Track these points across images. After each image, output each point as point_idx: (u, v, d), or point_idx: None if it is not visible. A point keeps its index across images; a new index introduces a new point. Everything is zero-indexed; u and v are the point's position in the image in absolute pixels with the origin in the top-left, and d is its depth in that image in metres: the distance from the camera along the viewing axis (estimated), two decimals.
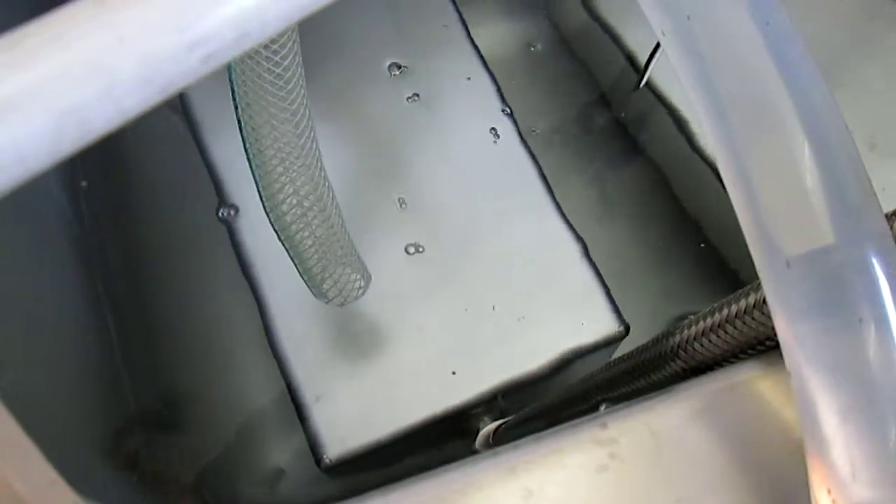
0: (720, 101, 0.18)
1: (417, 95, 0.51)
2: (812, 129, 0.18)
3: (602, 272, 0.46)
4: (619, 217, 0.58)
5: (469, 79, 0.52)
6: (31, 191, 0.43)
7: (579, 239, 0.47)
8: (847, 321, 0.17)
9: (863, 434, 0.17)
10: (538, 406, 0.37)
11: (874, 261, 0.18)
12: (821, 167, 0.17)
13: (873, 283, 0.17)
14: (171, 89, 0.12)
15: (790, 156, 0.17)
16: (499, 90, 0.52)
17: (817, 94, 0.18)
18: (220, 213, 0.46)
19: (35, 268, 0.40)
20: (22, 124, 0.10)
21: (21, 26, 0.11)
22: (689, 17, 0.19)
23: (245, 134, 0.42)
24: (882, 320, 0.17)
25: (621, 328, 0.45)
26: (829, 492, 0.18)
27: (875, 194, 0.18)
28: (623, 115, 0.60)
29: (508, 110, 0.51)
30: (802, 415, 0.18)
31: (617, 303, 0.46)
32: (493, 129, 0.50)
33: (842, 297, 0.17)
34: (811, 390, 0.18)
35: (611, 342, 0.45)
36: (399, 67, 0.52)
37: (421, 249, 0.46)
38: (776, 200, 0.18)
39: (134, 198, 0.53)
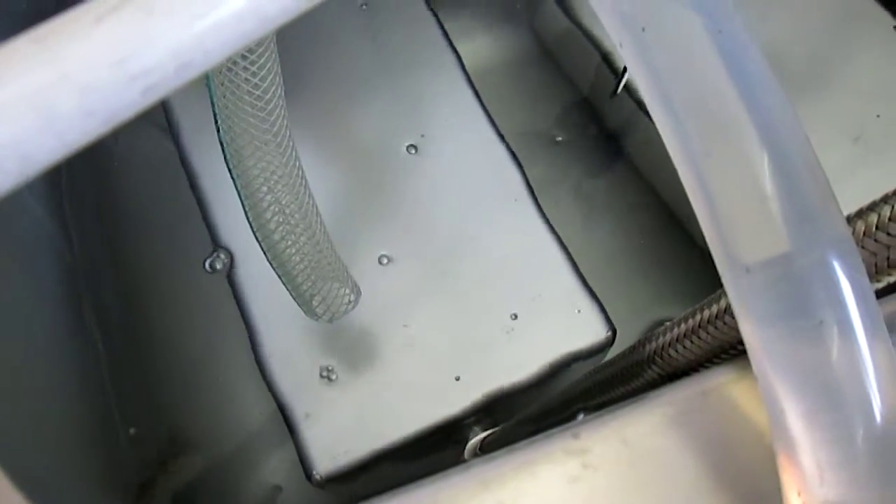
0: (676, 110, 0.19)
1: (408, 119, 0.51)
2: (768, 137, 0.18)
3: (588, 278, 0.47)
4: (604, 222, 0.58)
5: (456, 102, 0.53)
6: (20, 222, 0.43)
7: (564, 246, 0.47)
8: (807, 325, 0.17)
9: (828, 436, 0.17)
10: (525, 415, 0.37)
11: (834, 264, 0.18)
12: (777, 174, 0.18)
13: (833, 286, 0.17)
14: (115, 121, 0.12)
15: (746, 164, 0.18)
16: (483, 106, 0.52)
17: (773, 102, 0.18)
18: (208, 261, 0.46)
19: (25, 301, 0.40)
20: None
21: None
22: (643, 29, 0.19)
23: (228, 155, 0.42)
24: (844, 322, 0.17)
25: (609, 333, 0.45)
26: (798, 493, 0.18)
27: (834, 197, 0.19)
28: (606, 120, 0.61)
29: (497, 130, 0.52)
30: (771, 418, 0.18)
31: (605, 308, 0.46)
32: (478, 139, 0.51)
33: (801, 302, 0.17)
34: (777, 394, 0.18)
35: (600, 348, 0.45)
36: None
37: (407, 262, 0.47)
38: (734, 208, 0.18)
39: (123, 224, 0.53)
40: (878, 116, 0.51)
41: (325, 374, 0.43)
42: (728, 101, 0.18)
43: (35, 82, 0.11)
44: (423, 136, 0.50)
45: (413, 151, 0.49)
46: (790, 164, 0.18)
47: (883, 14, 0.55)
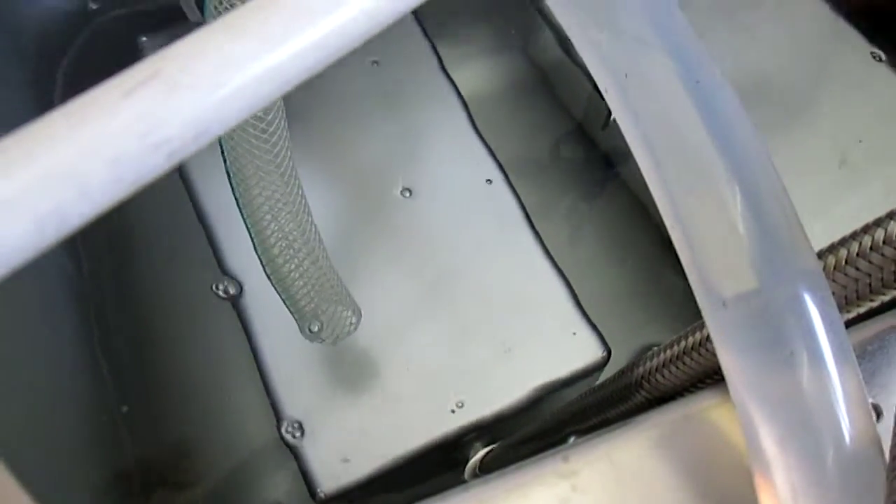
0: (656, 154, 0.20)
1: (403, 133, 0.53)
2: (741, 179, 0.19)
3: (583, 299, 0.48)
4: (598, 245, 0.59)
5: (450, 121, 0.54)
6: None
7: (559, 269, 0.49)
8: (780, 356, 0.19)
9: (800, 459, 0.19)
10: (522, 435, 0.38)
11: (804, 297, 0.19)
12: (749, 214, 0.19)
13: (802, 318, 0.19)
14: (141, 184, 0.13)
15: (720, 205, 0.19)
16: (480, 135, 0.54)
17: (746, 145, 0.20)
18: (215, 287, 0.47)
19: (36, 323, 0.41)
20: (9, 226, 0.12)
21: (2, 138, 0.12)
22: (626, 76, 0.20)
23: (234, 183, 0.43)
24: (813, 352, 0.19)
25: (604, 354, 0.46)
26: None
27: (805, 234, 0.20)
28: (599, 146, 0.62)
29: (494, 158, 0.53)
30: (748, 442, 0.20)
31: (599, 330, 0.47)
32: (475, 167, 0.52)
33: (773, 334, 0.19)
34: (753, 420, 0.19)
35: (594, 369, 0.46)
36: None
37: (405, 285, 0.48)
38: (710, 246, 0.19)
39: (131, 247, 0.55)
40: (860, 141, 0.52)
41: (327, 393, 0.44)
42: (703, 147, 0.19)
43: (70, 155, 0.12)
44: (422, 167, 0.52)
45: (412, 187, 0.51)
46: (762, 205, 0.19)
47: (860, 40, 0.57)
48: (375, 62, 0.55)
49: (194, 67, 0.13)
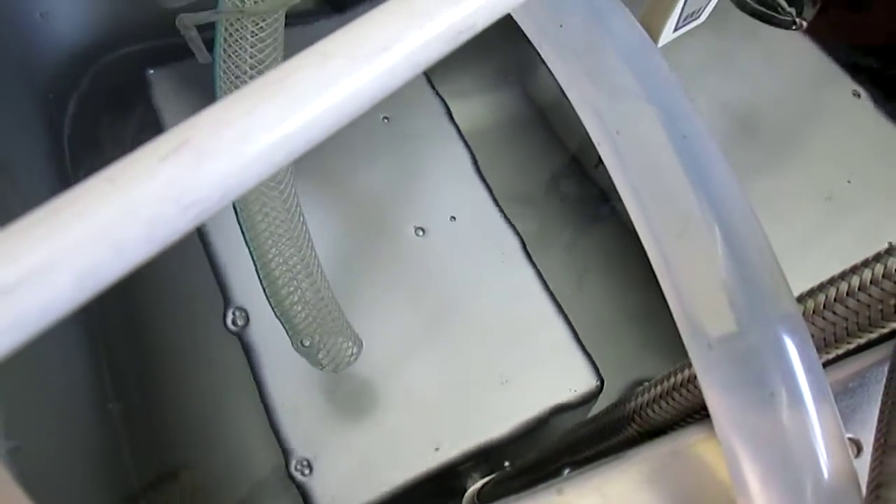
0: (644, 203, 0.21)
1: (402, 160, 0.54)
2: (724, 228, 0.20)
3: (580, 332, 0.49)
4: (594, 277, 0.60)
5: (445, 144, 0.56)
6: None
7: (557, 302, 0.50)
8: (761, 395, 0.20)
9: (781, 496, 0.20)
10: (519, 465, 0.39)
11: (785, 340, 0.20)
12: (732, 260, 0.20)
13: (783, 360, 0.20)
14: (169, 242, 0.14)
15: (705, 252, 0.20)
16: (474, 160, 0.55)
17: (729, 195, 0.21)
18: (220, 318, 0.48)
19: (44, 355, 0.42)
20: (52, 283, 0.13)
21: (52, 199, 0.14)
22: (618, 132, 0.22)
23: (237, 209, 0.45)
24: (793, 392, 0.20)
25: (598, 383, 0.47)
26: None
27: (784, 278, 0.21)
28: (595, 180, 0.64)
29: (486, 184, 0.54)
30: (732, 477, 0.21)
31: (595, 361, 0.48)
32: (476, 207, 0.54)
33: (755, 375, 0.20)
34: (737, 456, 0.20)
35: (588, 399, 0.47)
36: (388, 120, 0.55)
37: (405, 317, 0.49)
38: (696, 290, 0.21)
39: (136, 275, 0.56)
40: (848, 182, 0.54)
41: (333, 428, 0.45)
42: (688, 198, 0.20)
43: (109, 218, 0.13)
44: (427, 206, 0.53)
45: (422, 226, 0.52)
46: (745, 252, 0.20)
47: (845, 79, 0.59)
48: (386, 118, 0.57)
49: (218, 137, 0.15)
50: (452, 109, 0.58)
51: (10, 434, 0.33)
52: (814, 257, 0.50)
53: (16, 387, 0.36)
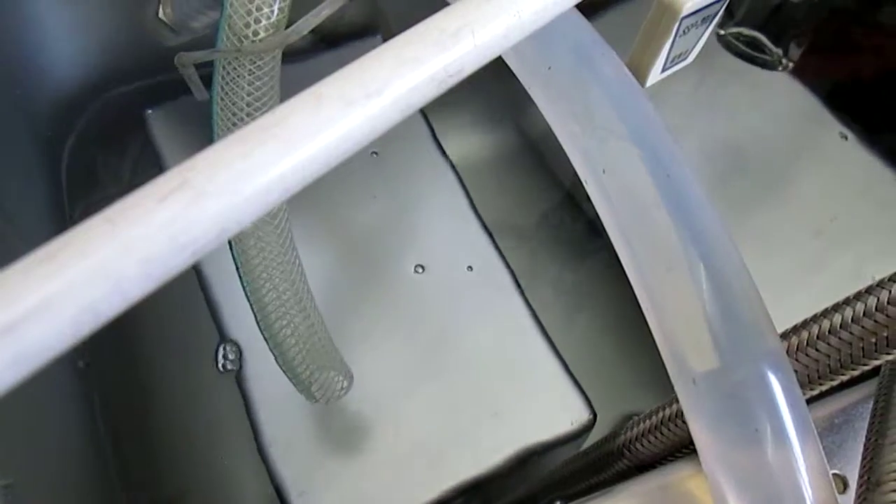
0: (630, 241, 0.22)
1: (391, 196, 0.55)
2: (708, 266, 0.21)
3: (572, 365, 0.49)
4: (586, 310, 0.61)
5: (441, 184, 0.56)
6: None
7: (548, 335, 0.50)
8: (746, 431, 0.20)
9: None
10: (510, 498, 0.39)
11: (767, 376, 0.20)
12: (716, 299, 0.21)
13: (767, 397, 0.20)
14: (167, 279, 0.15)
15: (689, 290, 0.21)
16: (467, 194, 0.56)
17: (713, 234, 0.21)
18: (213, 354, 0.48)
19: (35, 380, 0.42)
20: (53, 320, 0.13)
21: (53, 239, 0.14)
22: (604, 171, 0.22)
23: (232, 242, 0.45)
24: (777, 428, 0.20)
25: (590, 417, 0.48)
26: None
27: (768, 315, 0.21)
28: (587, 213, 0.64)
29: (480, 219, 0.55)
30: None
31: (588, 394, 0.48)
32: (474, 246, 0.54)
33: (740, 411, 0.20)
34: (723, 490, 0.21)
35: (582, 431, 0.47)
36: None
37: (396, 352, 0.49)
38: (681, 327, 0.21)
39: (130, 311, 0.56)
40: (834, 220, 0.55)
41: (319, 454, 0.45)
42: (672, 237, 0.21)
43: (108, 256, 0.14)
44: (421, 244, 0.54)
45: (420, 269, 0.53)
46: (729, 291, 0.21)
47: (831, 118, 0.60)
48: (375, 153, 0.57)
49: (215, 177, 0.15)
50: (445, 144, 0.58)
51: (4, 471, 0.33)
52: (803, 293, 0.51)
53: (9, 423, 0.36)
